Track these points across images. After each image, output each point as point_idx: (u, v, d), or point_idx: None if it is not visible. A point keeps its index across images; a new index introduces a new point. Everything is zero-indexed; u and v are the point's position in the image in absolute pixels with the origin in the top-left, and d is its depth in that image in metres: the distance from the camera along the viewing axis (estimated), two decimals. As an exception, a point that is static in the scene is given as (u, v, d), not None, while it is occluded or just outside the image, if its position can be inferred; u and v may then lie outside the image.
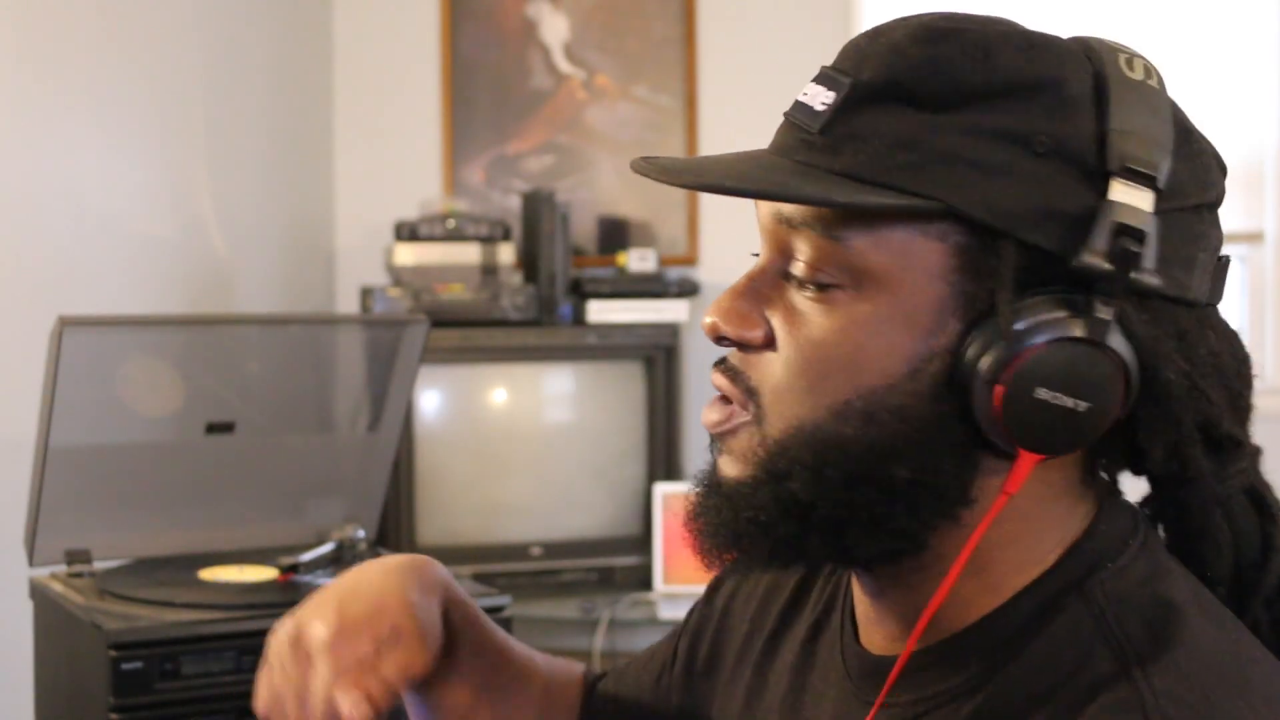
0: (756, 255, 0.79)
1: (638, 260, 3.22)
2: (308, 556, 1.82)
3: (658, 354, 3.12)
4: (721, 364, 0.78)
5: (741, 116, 3.41)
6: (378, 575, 0.89)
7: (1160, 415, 0.73)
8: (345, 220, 3.54)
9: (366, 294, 3.08)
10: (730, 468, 0.76)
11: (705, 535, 0.77)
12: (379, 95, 3.54)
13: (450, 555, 2.78)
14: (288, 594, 1.74)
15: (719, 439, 0.78)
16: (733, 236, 3.41)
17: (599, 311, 3.13)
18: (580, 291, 3.17)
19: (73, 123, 2.37)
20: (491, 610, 1.75)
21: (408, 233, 3.10)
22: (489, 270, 3.09)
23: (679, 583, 2.99)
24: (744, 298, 0.76)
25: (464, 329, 2.99)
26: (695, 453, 3.25)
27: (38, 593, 1.78)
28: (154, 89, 2.64)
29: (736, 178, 0.74)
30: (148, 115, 2.61)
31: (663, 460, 3.11)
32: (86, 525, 1.82)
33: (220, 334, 2.00)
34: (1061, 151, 0.70)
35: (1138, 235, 0.69)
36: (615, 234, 3.43)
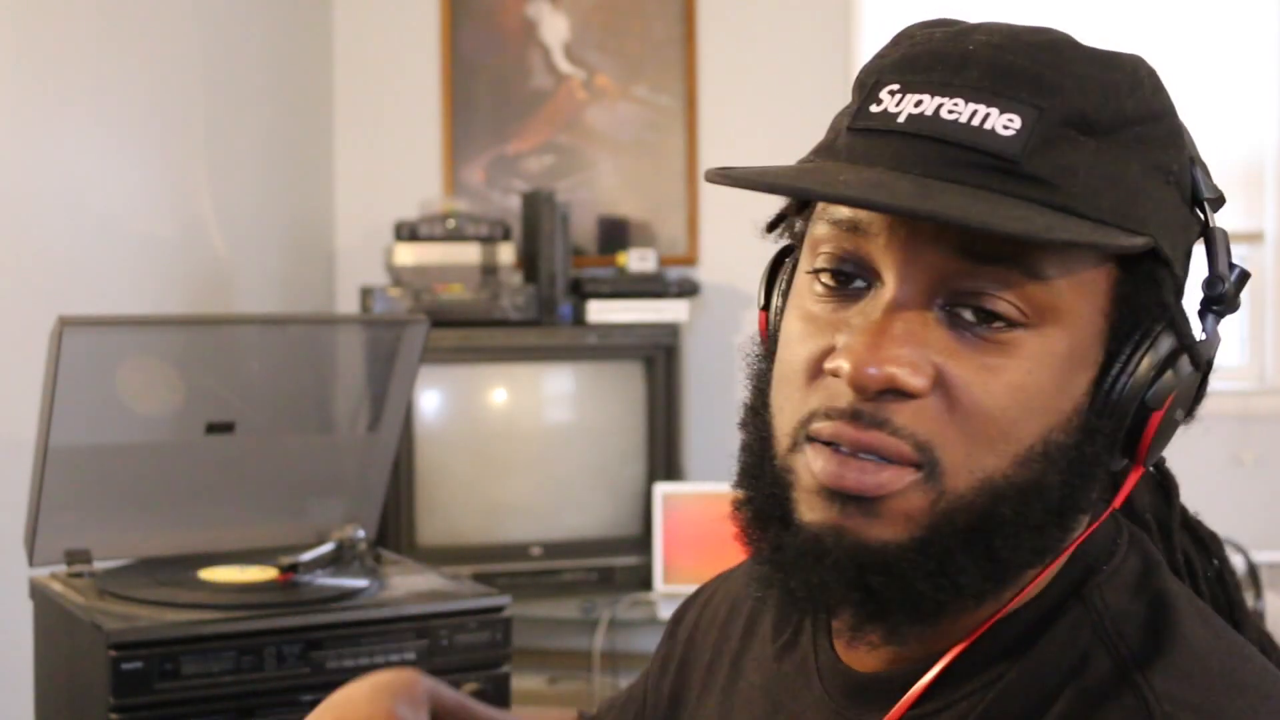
0: (822, 274, 0.72)
1: (638, 260, 3.22)
2: (308, 556, 1.82)
3: (658, 354, 3.12)
4: (849, 418, 0.69)
5: (741, 116, 3.41)
6: (365, 695, 0.90)
7: (1170, 418, 0.75)
8: (345, 220, 3.54)
9: (366, 294, 3.08)
10: (887, 531, 0.69)
11: (878, 615, 0.71)
12: (379, 95, 3.54)
13: (450, 555, 2.79)
14: (288, 594, 1.74)
15: (860, 501, 0.69)
16: (733, 236, 3.40)
17: (599, 311, 3.13)
18: (580, 291, 3.17)
19: (73, 123, 2.37)
20: (491, 610, 1.75)
21: (408, 233, 3.10)
22: (489, 270, 3.09)
23: (679, 583, 2.99)
24: (902, 341, 0.68)
25: (464, 329, 2.99)
26: (695, 453, 3.25)
27: (38, 593, 1.78)
28: (154, 89, 2.64)
29: (987, 215, 0.66)
30: (148, 115, 2.61)
31: (663, 460, 3.11)
32: (86, 525, 1.82)
33: (220, 334, 1.99)
34: (1179, 182, 0.72)
35: (1229, 260, 0.74)
36: (615, 234, 3.43)
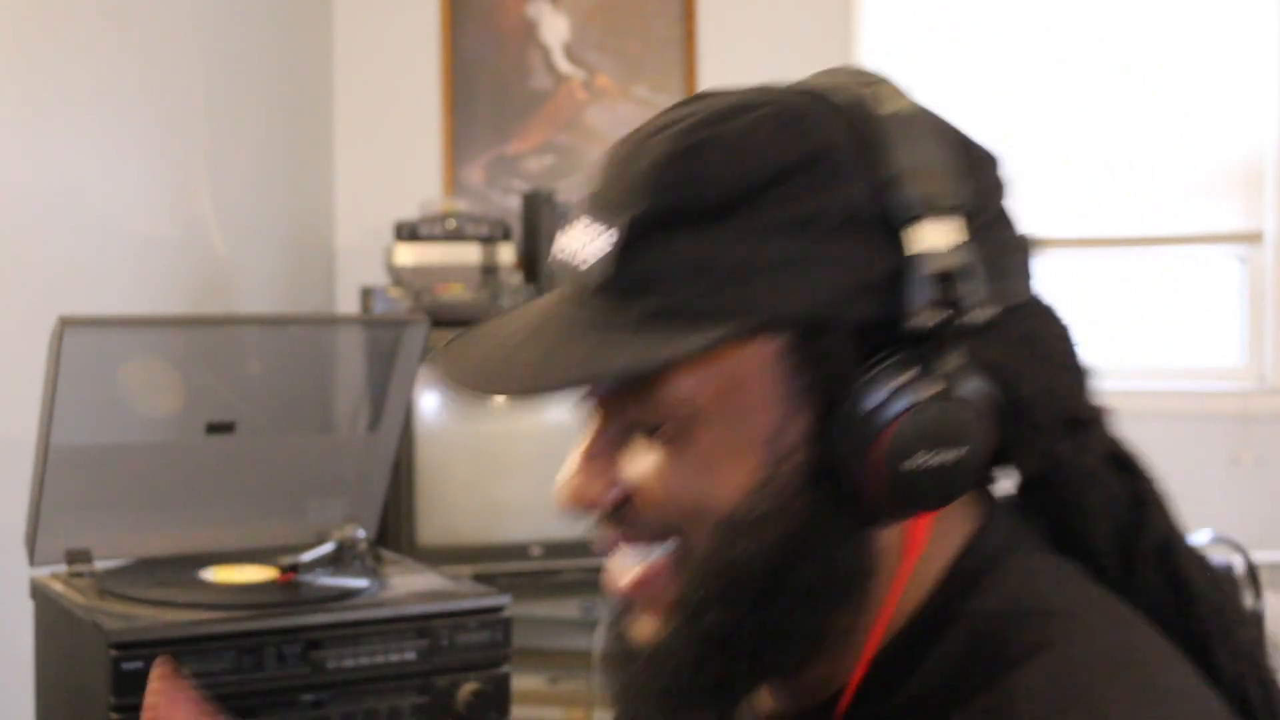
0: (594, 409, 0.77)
1: (638, 260, 3.22)
2: (308, 556, 1.82)
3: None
4: (607, 522, 0.76)
5: (741, 116, 3.41)
6: None
7: (1027, 428, 0.73)
8: (345, 220, 3.54)
9: (366, 294, 3.08)
10: (650, 626, 0.75)
11: (649, 707, 0.74)
12: (379, 95, 3.54)
13: (450, 555, 2.79)
14: (288, 594, 1.74)
15: (637, 603, 0.76)
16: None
17: (599, 311, 3.13)
18: (580, 291, 3.17)
19: (73, 123, 2.37)
20: (491, 610, 1.75)
21: (408, 233, 3.10)
22: (489, 270, 3.09)
23: (679, 583, 2.98)
24: (588, 463, 0.75)
25: (464, 329, 2.99)
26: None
27: (38, 593, 1.78)
28: (154, 89, 2.63)
29: (538, 372, 0.70)
30: (148, 115, 2.61)
31: (663, 460, 3.11)
32: (86, 525, 1.82)
33: (220, 334, 1.99)
34: (853, 220, 0.67)
35: (957, 274, 0.67)
36: (615, 234, 3.43)
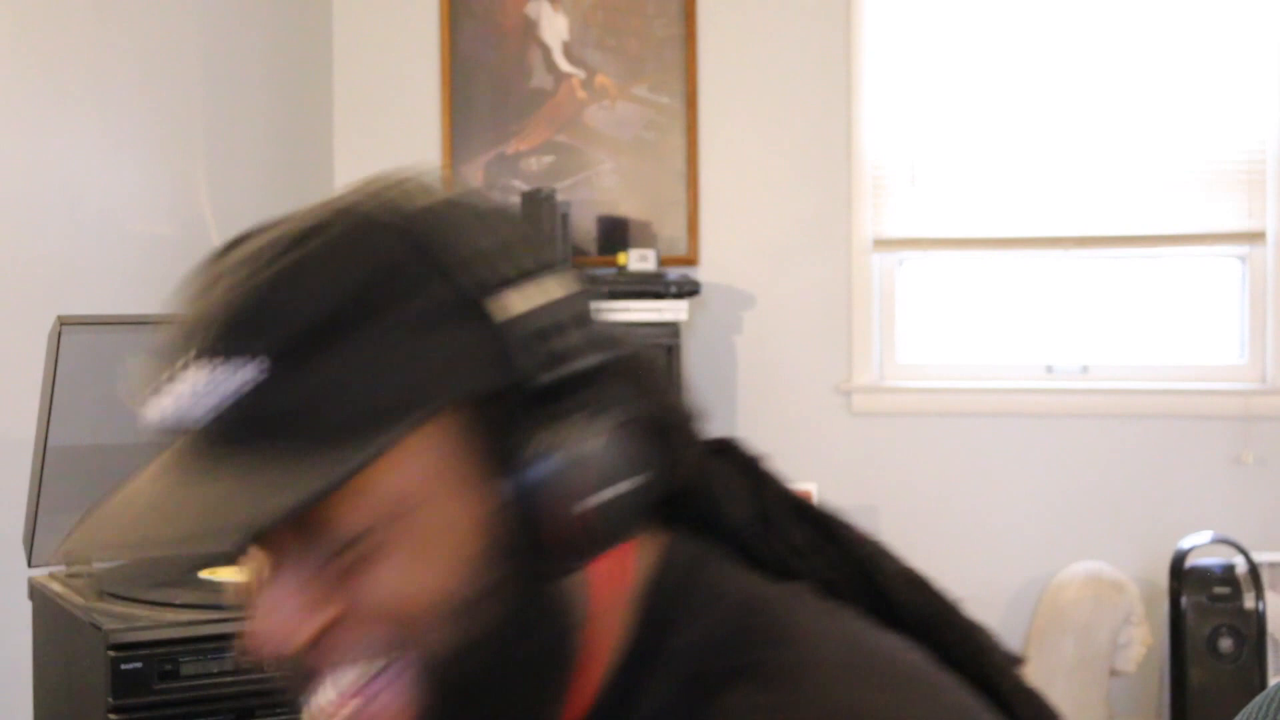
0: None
1: (638, 260, 3.21)
2: (307, 556, 1.82)
3: (657, 353, 3.11)
4: (312, 659, 0.71)
5: (741, 116, 3.41)
6: None
7: (665, 446, 0.73)
8: (345, 220, 3.54)
9: (366, 294, 3.08)
10: None
11: None
12: (379, 95, 3.54)
13: (450, 555, 2.79)
14: (287, 594, 1.74)
15: None
16: (732, 237, 3.41)
17: (599, 311, 3.12)
18: (580, 291, 3.17)
19: (73, 123, 2.37)
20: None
21: (408, 233, 3.10)
22: (489, 270, 3.09)
23: (679, 583, 2.98)
24: (283, 602, 0.69)
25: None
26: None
27: (37, 593, 1.78)
28: (154, 89, 2.63)
29: (185, 536, 0.67)
30: (148, 115, 2.61)
31: (663, 460, 3.11)
32: (86, 525, 1.82)
33: (220, 334, 1.99)
34: (444, 311, 0.68)
35: (550, 330, 0.69)
36: (615, 234, 3.43)
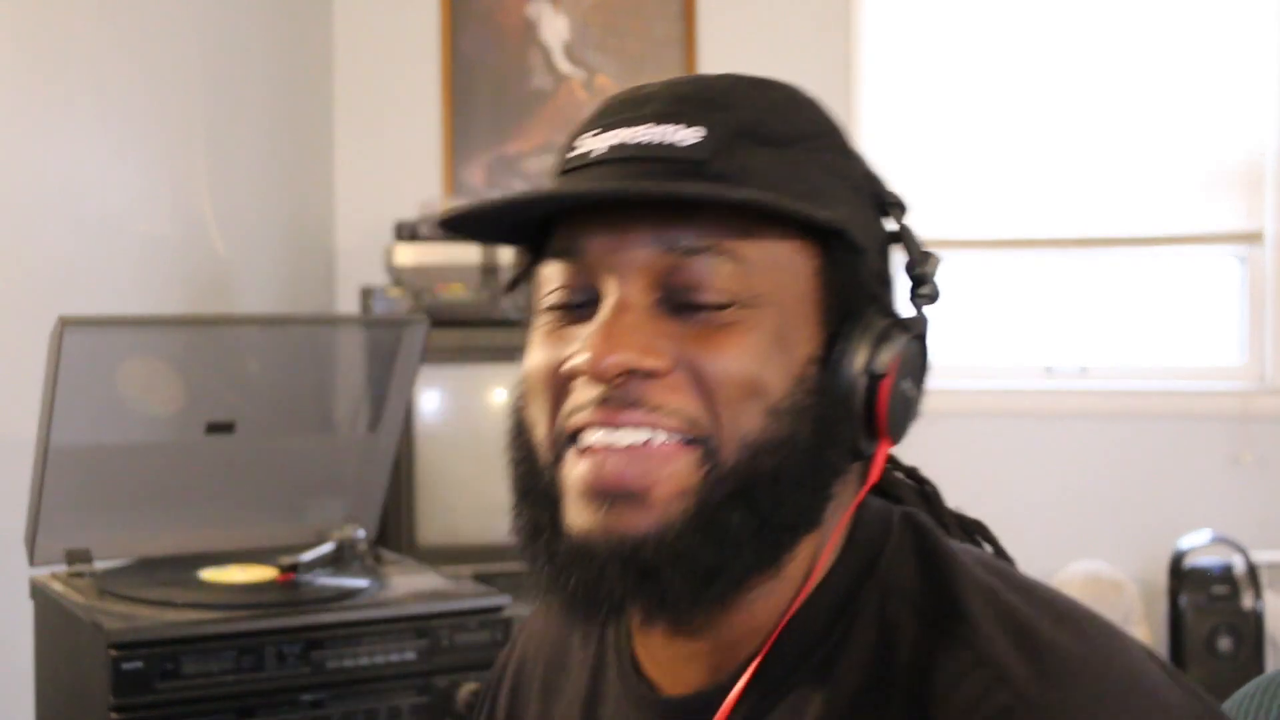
0: (558, 297, 0.80)
1: (638, 260, 3.22)
2: (308, 556, 1.82)
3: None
4: (610, 404, 0.75)
5: (741, 116, 3.41)
6: None
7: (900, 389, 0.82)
8: (345, 220, 3.54)
9: (366, 294, 3.08)
10: (655, 515, 0.74)
11: (659, 599, 0.74)
12: (379, 95, 3.54)
13: (450, 555, 2.79)
14: (288, 594, 1.74)
15: (627, 495, 0.74)
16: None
17: (599, 311, 3.12)
18: (580, 291, 3.17)
19: (73, 123, 2.37)
20: (491, 610, 1.75)
21: (408, 233, 3.10)
22: (489, 270, 3.09)
23: (679, 583, 2.98)
24: (631, 331, 0.75)
25: (464, 329, 2.99)
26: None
27: (38, 593, 1.78)
28: (154, 89, 2.64)
29: (681, 190, 0.75)
30: (148, 115, 2.61)
31: (663, 460, 3.11)
32: (86, 525, 1.82)
33: (220, 334, 1.99)
34: (861, 187, 0.81)
35: (921, 250, 0.83)
36: (615, 234, 3.43)
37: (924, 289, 0.82)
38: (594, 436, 0.76)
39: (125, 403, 1.82)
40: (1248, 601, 2.98)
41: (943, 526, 0.87)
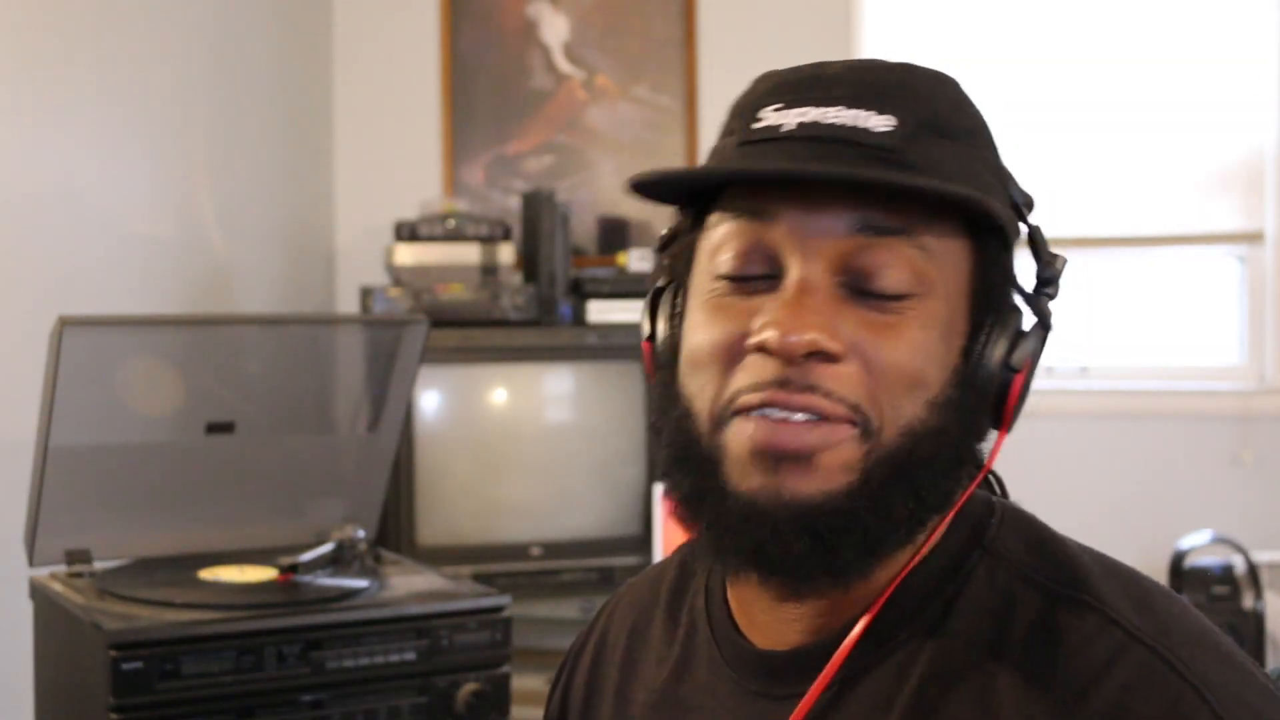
0: (731, 278, 0.80)
1: (638, 260, 3.22)
2: (308, 556, 1.82)
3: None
4: (786, 386, 0.77)
5: (741, 116, 3.41)
6: None
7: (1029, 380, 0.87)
8: (345, 220, 3.54)
9: (366, 294, 3.08)
10: (826, 483, 0.77)
11: (827, 561, 0.77)
12: (379, 95, 3.54)
13: (450, 555, 2.79)
14: (288, 594, 1.74)
15: (798, 459, 0.76)
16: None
17: (599, 311, 3.12)
18: (580, 291, 3.17)
19: (73, 123, 2.37)
20: (491, 610, 1.75)
21: (408, 233, 3.10)
22: (489, 270, 3.09)
23: (679, 583, 2.98)
24: (818, 312, 0.77)
25: (464, 329, 2.99)
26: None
27: (38, 593, 1.78)
28: (154, 89, 2.64)
29: (889, 178, 0.77)
30: (148, 115, 2.61)
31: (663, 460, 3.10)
32: (86, 525, 1.82)
33: (220, 334, 1.99)
34: (1005, 183, 0.84)
35: (1044, 254, 0.85)
36: (615, 234, 3.43)
37: (1050, 288, 0.85)
38: (766, 412, 0.77)
39: (125, 403, 1.82)
40: (1248, 601, 2.98)
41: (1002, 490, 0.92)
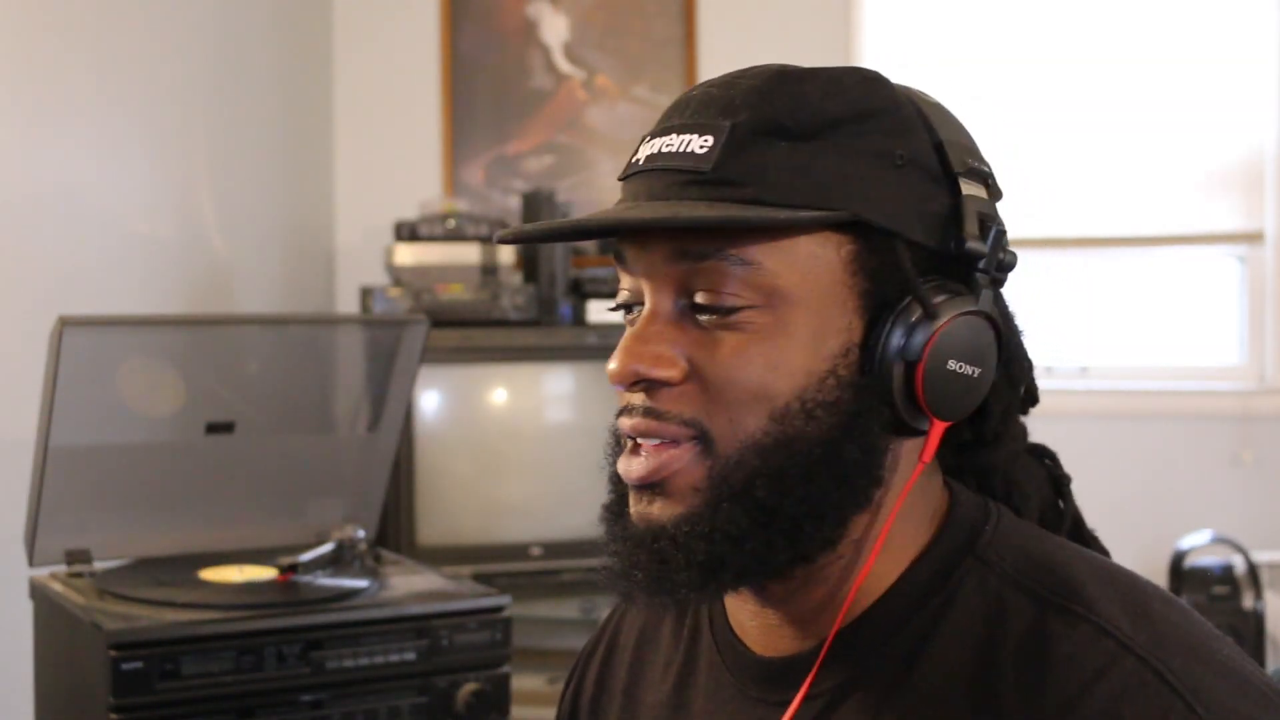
0: (621, 308, 0.85)
1: (638, 260, 3.22)
2: (308, 556, 1.82)
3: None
4: (634, 412, 0.81)
5: (741, 116, 3.41)
6: None
7: (1007, 378, 0.87)
8: (345, 220, 3.54)
9: (366, 294, 3.08)
10: (672, 508, 0.80)
11: (668, 584, 0.79)
12: (379, 95, 3.54)
13: (450, 555, 2.79)
14: (288, 594, 1.74)
15: (652, 487, 0.81)
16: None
17: (599, 311, 3.13)
18: (580, 291, 3.17)
19: (73, 123, 2.37)
20: (491, 610, 1.75)
21: (408, 233, 3.10)
22: (489, 270, 3.09)
23: (679, 583, 2.98)
24: (653, 340, 0.80)
25: (464, 329, 2.99)
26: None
27: (38, 593, 1.78)
28: (154, 89, 2.64)
29: (659, 214, 0.78)
30: (148, 116, 2.61)
31: (663, 460, 3.10)
32: (86, 525, 1.82)
33: (220, 334, 1.99)
34: (914, 162, 0.81)
35: (994, 220, 0.83)
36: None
37: (982, 263, 0.82)
38: (633, 438, 0.82)
39: (125, 403, 1.82)
40: (1248, 601, 2.98)
41: (1058, 507, 0.92)
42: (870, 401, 0.79)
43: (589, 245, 3.43)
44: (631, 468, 0.81)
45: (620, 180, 0.85)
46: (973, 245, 0.81)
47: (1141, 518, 3.22)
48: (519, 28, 3.50)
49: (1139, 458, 3.25)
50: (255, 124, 3.09)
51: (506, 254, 3.12)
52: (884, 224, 0.79)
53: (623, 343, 0.82)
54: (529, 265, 3.19)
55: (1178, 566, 3.02)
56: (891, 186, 0.80)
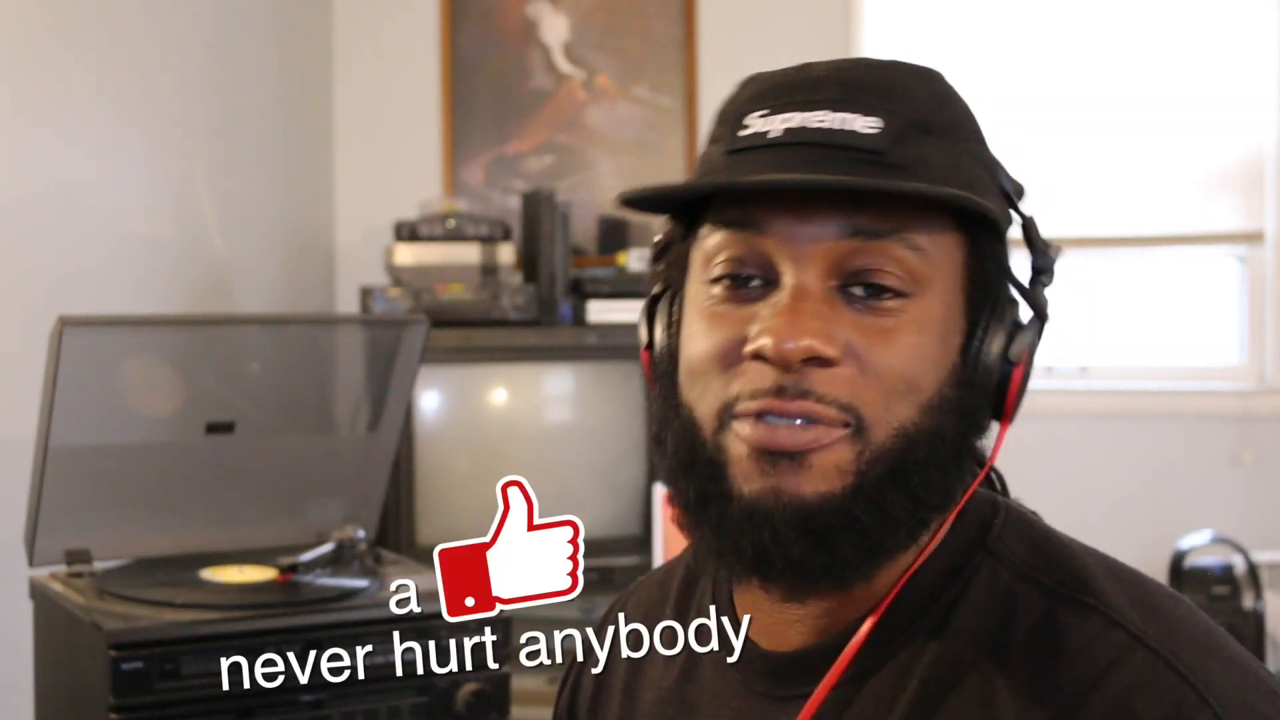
0: (725, 279, 0.81)
1: (638, 260, 3.22)
2: (308, 556, 1.82)
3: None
4: (785, 393, 0.77)
5: (741, 116, 3.41)
6: None
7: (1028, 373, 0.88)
8: (345, 220, 3.54)
9: (366, 294, 3.08)
10: (821, 484, 0.77)
11: (825, 564, 0.78)
12: (379, 95, 3.54)
13: (450, 555, 2.78)
14: (288, 594, 1.74)
15: (792, 456, 0.77)
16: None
17: (599, 311, 3.12)
18: (580, 291, 3.17)
19: (73, 123, 2.37)
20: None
21: (408, 233, 3.10)
22: (489, 270, 3.09)
23: (679, 583, 2.98)
24: (814, 317, 0.77)
25: (464, 329, 2.99)
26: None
27: (38, 593, 1.78)
28: (154, 89, 2.64)
29: (874, 182, 0.78)
30: (148, 115, 2.61)
31: (663, 460, 3.10)
32: (86, 525, 1.82)
33: (220, 334, 1.99)
34: (994, 174, 0.84)
35: (1039, 243, 0.86)
36: (615, 234, 3.43)
37: (1045, 277, 0.85)
38: (764, 419, 0.78)
39: (125, 403, 1.82)
40: (1248, 601, 2.98)
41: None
42: (979, 399, 0.81)
43: (589, 245, 3.44)
44: (775, 435, 0.77)
45: (735, 152, 0.82)
46: (1045, 257, 0.85)
47: (1141, 518, 3.22)
48: (519, 28, 3.50)
49: (1139, 458, 3.25)
50: (255, 124, 3.09)
51: (506, 254, 3.12)
52: (1003, 228, 0.82)
53: (776, 318, 0.77)
54: (529, 265, 3.19)
55: (1178, 566, 3.02)
56: (993, 192, 0.82)
